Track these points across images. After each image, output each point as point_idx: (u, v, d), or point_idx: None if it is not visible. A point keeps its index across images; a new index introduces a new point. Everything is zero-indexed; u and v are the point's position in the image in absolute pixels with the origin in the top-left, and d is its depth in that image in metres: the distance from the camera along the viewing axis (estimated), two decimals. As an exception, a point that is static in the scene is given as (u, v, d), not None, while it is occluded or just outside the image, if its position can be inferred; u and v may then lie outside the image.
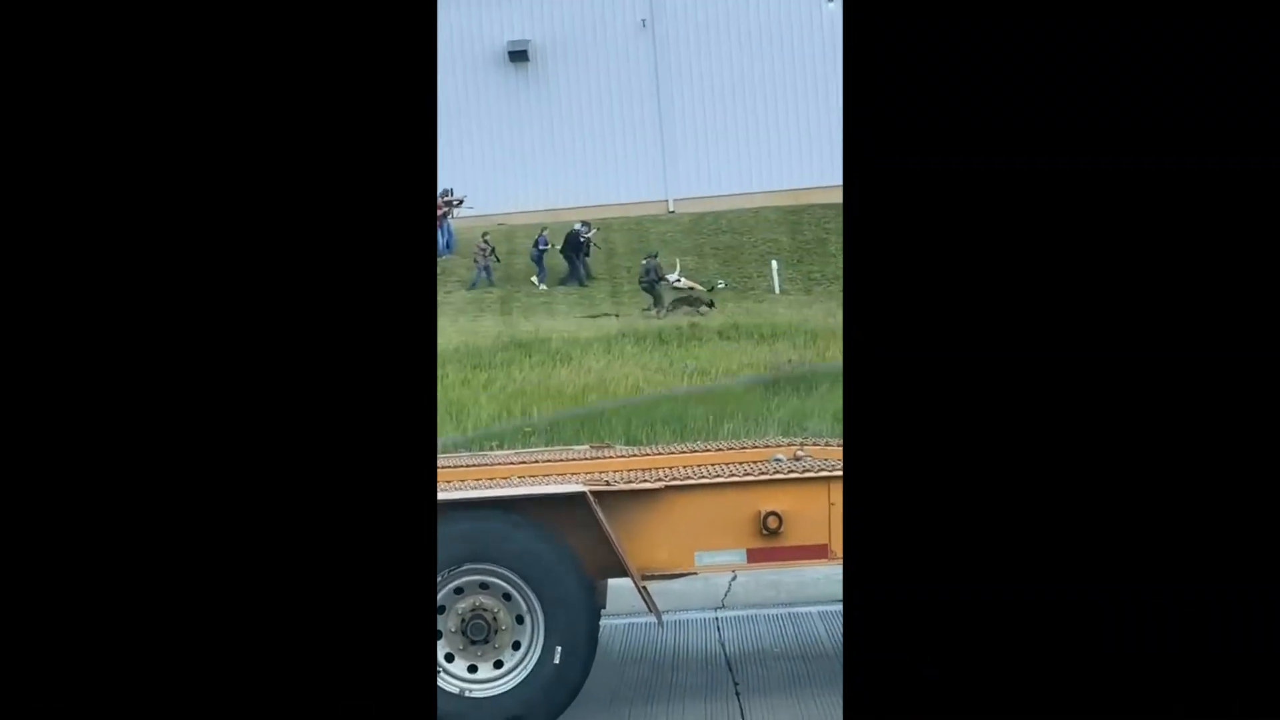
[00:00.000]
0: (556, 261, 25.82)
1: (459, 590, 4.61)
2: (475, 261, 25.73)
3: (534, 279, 25.53)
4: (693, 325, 19.63)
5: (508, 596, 4.61)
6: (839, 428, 11.47)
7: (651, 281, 22.84)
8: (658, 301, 22.39)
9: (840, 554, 4.65)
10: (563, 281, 25.47)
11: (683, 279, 23.40)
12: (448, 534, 4.22)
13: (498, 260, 25.90)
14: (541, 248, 25.78)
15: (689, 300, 22.13)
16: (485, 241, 25.84)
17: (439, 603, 4.58)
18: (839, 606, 6.41)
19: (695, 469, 5.09)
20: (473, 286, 25.10)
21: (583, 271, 25.66)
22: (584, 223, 26.34)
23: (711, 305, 21.87)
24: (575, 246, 25.72)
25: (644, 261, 23.48)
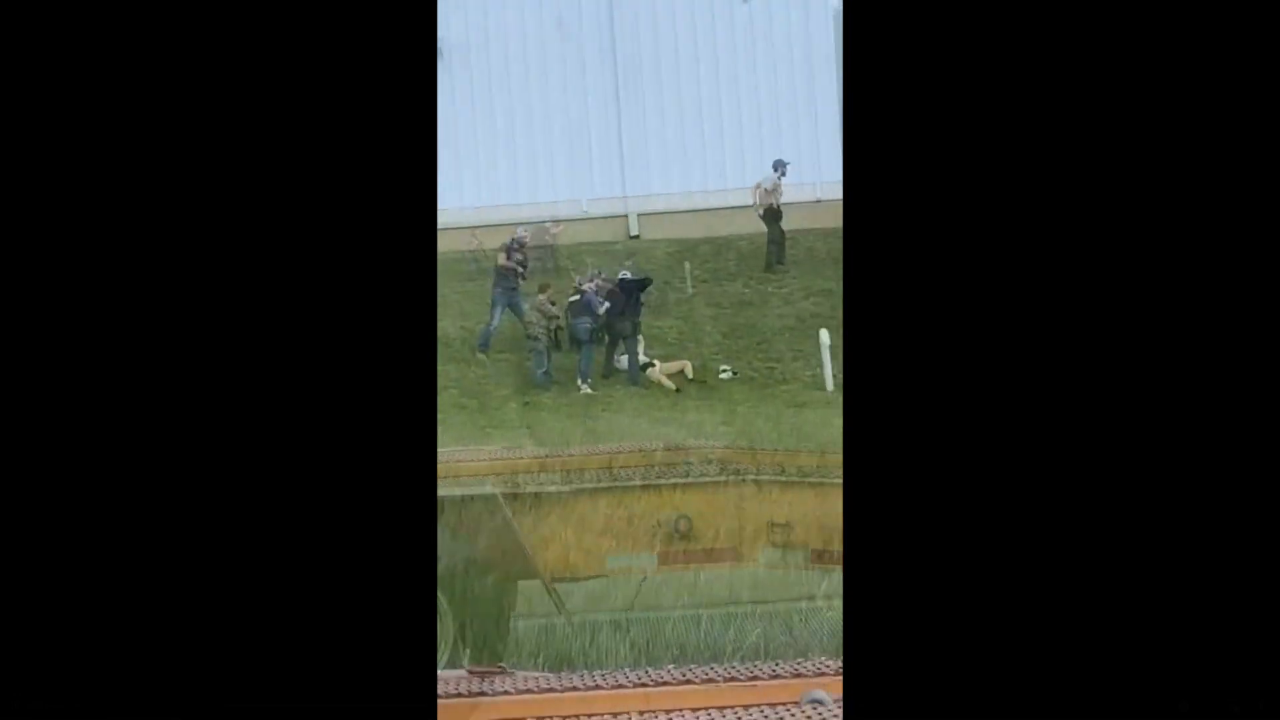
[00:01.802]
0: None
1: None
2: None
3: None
4: None
5: (417, 599, 4.58)
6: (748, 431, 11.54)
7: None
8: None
9: (750, 557, 4.70)
10: None
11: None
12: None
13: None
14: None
15: None
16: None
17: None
18: (748, 608, 6.46)
19: (606, 471, 5.11)
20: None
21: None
22: (552, 220, 26.49)
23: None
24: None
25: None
